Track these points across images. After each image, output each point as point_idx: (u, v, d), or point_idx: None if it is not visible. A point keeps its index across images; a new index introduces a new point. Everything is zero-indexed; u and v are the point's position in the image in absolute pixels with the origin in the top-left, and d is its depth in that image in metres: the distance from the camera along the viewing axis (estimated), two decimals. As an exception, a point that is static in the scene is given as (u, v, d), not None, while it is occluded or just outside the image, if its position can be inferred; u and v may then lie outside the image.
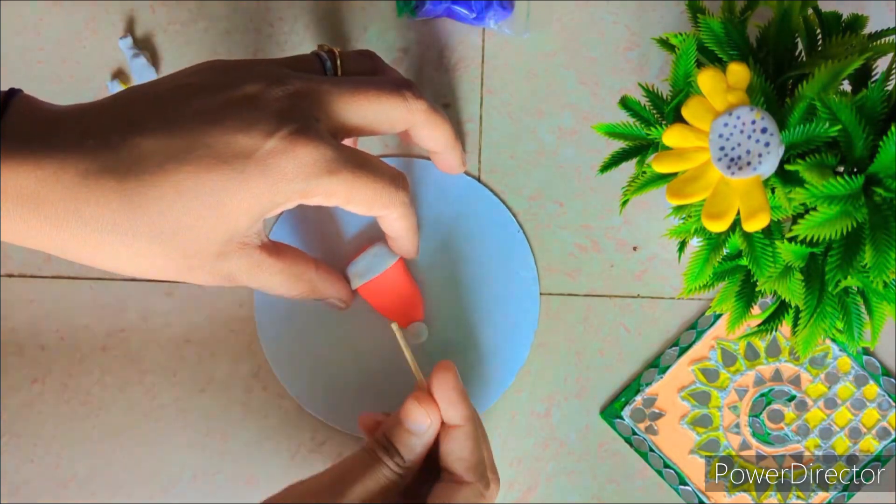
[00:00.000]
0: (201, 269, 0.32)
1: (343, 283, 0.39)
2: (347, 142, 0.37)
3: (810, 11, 0.33)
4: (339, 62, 0.35)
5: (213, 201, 0.30)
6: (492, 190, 0.42)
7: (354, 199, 0.33)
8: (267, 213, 0.31)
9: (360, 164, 0.33)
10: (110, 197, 0.29)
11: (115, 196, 0.29)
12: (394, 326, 0.36)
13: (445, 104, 0.42)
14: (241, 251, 0.32)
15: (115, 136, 0.30)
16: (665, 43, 0.34)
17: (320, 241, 0.41)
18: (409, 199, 0.35)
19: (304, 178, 0.31)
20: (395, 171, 0.34)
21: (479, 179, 0.42)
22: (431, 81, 0.42)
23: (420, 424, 0.34)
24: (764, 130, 0.27)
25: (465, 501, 0.33)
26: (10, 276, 0.41)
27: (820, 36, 0.32)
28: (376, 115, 0.34)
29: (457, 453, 0.34)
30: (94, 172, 0.29)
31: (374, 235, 0.40)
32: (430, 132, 0.36)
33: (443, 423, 0.34)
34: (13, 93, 0.30)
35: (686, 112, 0.28)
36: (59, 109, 0.31)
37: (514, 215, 0.42)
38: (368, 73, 0.36)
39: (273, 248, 0.34)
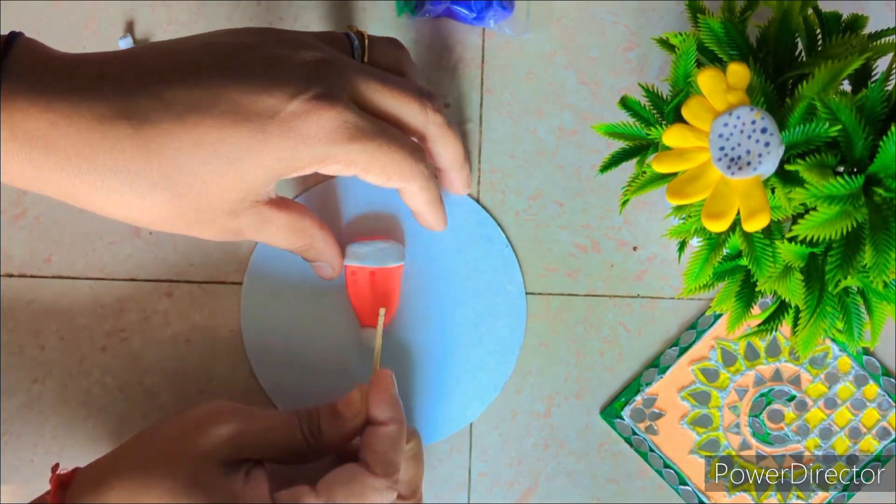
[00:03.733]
0: (210, 223, 0.31)
1: (339, 251, 0.38)
2: None
3: (810, 11, 0.33)
4: (366, 43, 0.35)
5: (232, 157, 0.29)
6: (488, 197, 0.42)
7: (373, 169, 0.32)
8: (284, 175, 0.31)
9: (381, 132, 0.32)
10: (125, 144, 0.28)
11: (131, 143, 0.28)
12: (381, 311, 0.38)
13: (445, 104, 0.42)
14: (253, 208, 0.32)
15: (135, 82, 0.29)
16: (665, 43, 0.34)
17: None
18: (429, 171, 0.35)
19: (324, 143, 0.31)
20: (415, 143, 0.34)
21: (469, 195, 0.42)
22: (431, 81, 0.42)
23: (349, 407, 0.34)
24: (764, 130, 0.27)
25: (360, 482, 0.32)
26: (10, 276, 0.41)
27: (820, 36, 0.32)
28: (395, 110, 0.33)
29: (372, 446, 0.34)
30: (109, 117, 0.28)
31: (380, 228, 0.40)
32: (441, 148, 0.36)
33: (370, 423, 0.34)
34: (15, 35, 0.29)
35: (686, 112, 0.28)
36: (73, 55, 0.30)
37: (503, 229, 0.41)
38: (393, 63, 0.36)
39: (280, 203, 0.34)
